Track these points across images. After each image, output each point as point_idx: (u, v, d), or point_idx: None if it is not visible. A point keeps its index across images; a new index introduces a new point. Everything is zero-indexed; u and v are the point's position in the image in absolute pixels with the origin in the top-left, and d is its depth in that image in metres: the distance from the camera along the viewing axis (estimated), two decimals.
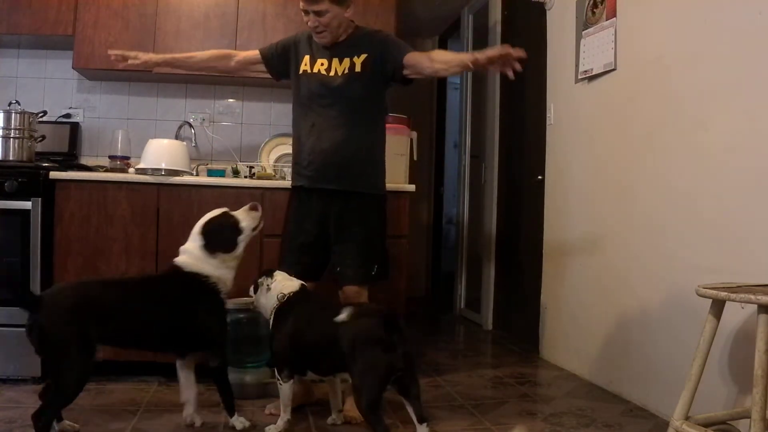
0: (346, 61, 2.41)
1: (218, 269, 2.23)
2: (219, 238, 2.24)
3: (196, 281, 2.19)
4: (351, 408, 2.37)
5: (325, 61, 2.43)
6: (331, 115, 2.40)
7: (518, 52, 2.11)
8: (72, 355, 1.96)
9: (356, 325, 1.97)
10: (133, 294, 2.15)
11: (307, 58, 2.47)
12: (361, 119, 2.43)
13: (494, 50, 2.16)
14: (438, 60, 2.38)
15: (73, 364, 1.97)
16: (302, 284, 2.29)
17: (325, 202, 2.42)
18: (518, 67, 2.13)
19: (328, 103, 2.41)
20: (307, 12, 2.34)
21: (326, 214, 2.43)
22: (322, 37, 2.40)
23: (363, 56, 2.41)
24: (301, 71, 2.47)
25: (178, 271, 2.21)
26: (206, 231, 2.25)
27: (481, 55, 2.17)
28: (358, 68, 2.40)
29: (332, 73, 2.42)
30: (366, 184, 2.44)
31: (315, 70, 2.44)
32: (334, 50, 2.44)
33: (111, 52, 2.55)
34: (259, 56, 2.59)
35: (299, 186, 2.49)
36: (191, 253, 2.23)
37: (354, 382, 1.96)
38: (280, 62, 2.56)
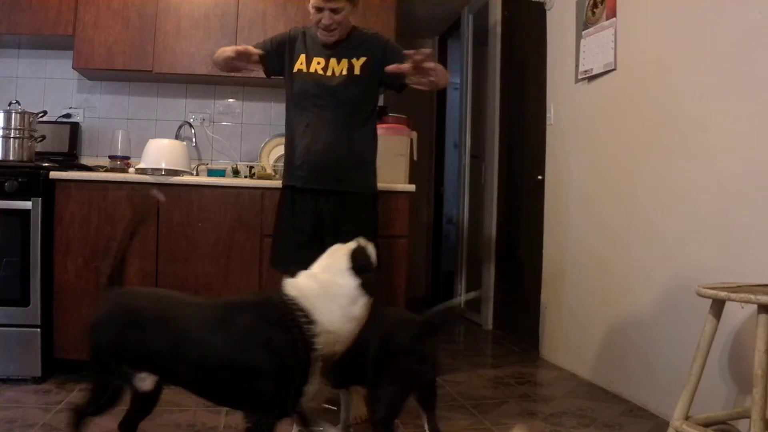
0: (344, 62, 2.39)
1: (341, 320, 1.58)
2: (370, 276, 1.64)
3: (291, 317, 1.54)
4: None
5: (322, 60, 2.41)
6: (325, 116, 2.39)
7: (423, 52, 2.10)
8: (92, 367, 1.69)
9: (388, 333, 1.77)
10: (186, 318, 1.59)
11: (302, 56, 2.44)
12: (355, 120, 2.41)
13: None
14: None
15: (92, 378, 1.70)
16: None
17: (319, 200, 2.41)
18: (430, 67, 2.11)
19: (323, 104, 2.39)
20: (321, 9, 2.28)
21: (320, 212, 2.41)
22: (331, 36, 2.37)
23: (362, 59, 2.39)
24: (295, 69, 2.44)
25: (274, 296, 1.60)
26: (359, 264, 1.65)
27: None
28: (357, 71, 2.39)
29: (329, 73, 2.40)
30: (359, 184, 2.43)
31: (311, 70, 2.41)
32: (332, 49, 2.41)
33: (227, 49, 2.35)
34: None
35: (291, 185, 2.49)
36: (326, 285, 1.61)
37: (375, 392, 1.76)
38: (276, 59, 2.51)
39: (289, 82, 2.49)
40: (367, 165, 2.48)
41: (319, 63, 2.41)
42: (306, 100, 2.43)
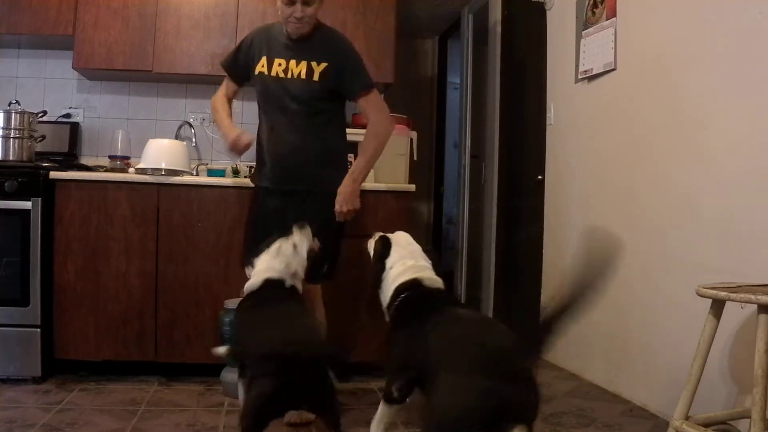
0: (303, 64, 2.38)
1: None
2: None
3: None
4: None
5: (283, 62, 2.40)
6: (288, 119, 2.39)
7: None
8: None
9: None
10: None
11: (263, 59, 2.44)
12: (319, 121, 2.41)
13: None
14: (366, 146, 2.44)
15: None
16: (266, 279, 2.01)
17: (285, 200, 2.42)
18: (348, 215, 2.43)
19: (285, 106, 2.39)
20: (293, 2, 2.28)
21: (285, 212, 2.40)
22: (300, 29, 2.35)
23: (323, 65, 2.37)
24: (257, 72, 2.45)
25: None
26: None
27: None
28: (316, 77, 2.37)
29: (289, 75, 2.39)
30: (324, 184, 2.42)
31: (273, 73, 2.41)
32: (294, 49, 2.40)
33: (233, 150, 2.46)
34: (234, 82, 2.59)
35: (260, 186, 2.50)
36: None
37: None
38: (242, 70, 2.54)
39: (255, 86, 2.51)
40: (334, 164, 2.46)
41: (280, 65, 2.41)
42: (269, 103, 2.44)
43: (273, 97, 2.42)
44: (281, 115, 2.41)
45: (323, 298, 2.52)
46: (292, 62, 2.39)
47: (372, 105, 2.46)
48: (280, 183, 2.43)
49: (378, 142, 2.47)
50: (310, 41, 2.41)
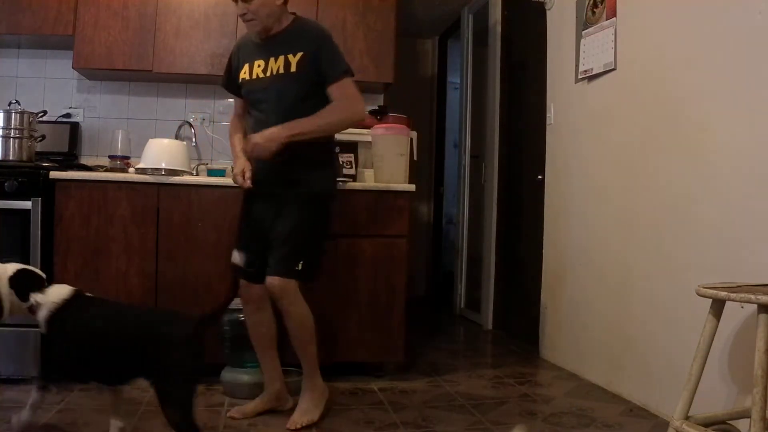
0: (281, 59, 2.35)
1: None
2: None
3: None
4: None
5: (262, 62, 2.38)
6: (269, 119, 2.33)
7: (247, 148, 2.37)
8: None
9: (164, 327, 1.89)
10: None
11: (245, 66, 2.42)
12: (298, 119, 2.33)
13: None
14: (323, 114, 2.33)
15: None
16: (76, 290, 2.06)
17: (267, 203, 2.38)
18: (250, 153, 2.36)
19: (265, 106, 2.37)
20: (235, 0, 2.27)
21: (266, 213, 2.39)
22: (251, 26, 2.33)
23: (299, 54, 2.33)
24: (240, 80, 2.43)
25: None
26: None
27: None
28: (293, 68, 2.33)
29: (269, 74, 2.36)
30: (304, 185, 2.37)
31: (254, 75, 2.39)
32: (270, 47, 2.37)
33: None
34: (239, 96, 2.51)
35: (245, 190, 2.44)
36: None
37: (161, 391, 1.82)
38: (239, 86, 2.48)
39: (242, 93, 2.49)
40: (315, 164, 2.40)
41: (259, 66, 2.39)
42: (253, 106, 2.42)
43: (256, 100, 2.40)
44: (263, 117, 2.37)
45: (321, 299, 2.48)
46: (271, 60, 2.36)
47: (341, 91, 2.34)
48: (263, 186, 2.37)
49: (336, 117, 2.35)
50: (285, 35, 2.38)
